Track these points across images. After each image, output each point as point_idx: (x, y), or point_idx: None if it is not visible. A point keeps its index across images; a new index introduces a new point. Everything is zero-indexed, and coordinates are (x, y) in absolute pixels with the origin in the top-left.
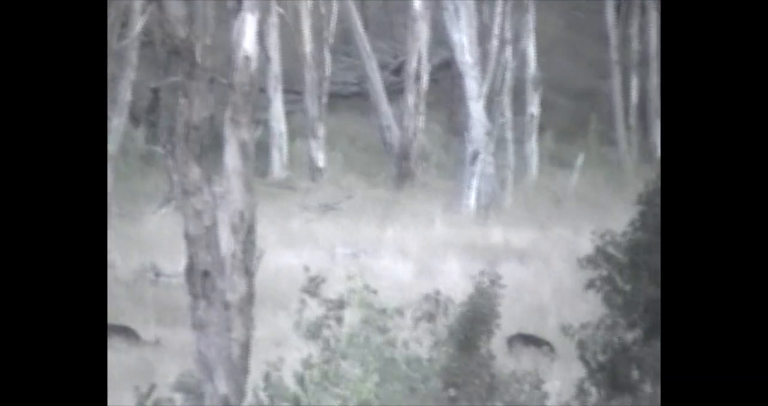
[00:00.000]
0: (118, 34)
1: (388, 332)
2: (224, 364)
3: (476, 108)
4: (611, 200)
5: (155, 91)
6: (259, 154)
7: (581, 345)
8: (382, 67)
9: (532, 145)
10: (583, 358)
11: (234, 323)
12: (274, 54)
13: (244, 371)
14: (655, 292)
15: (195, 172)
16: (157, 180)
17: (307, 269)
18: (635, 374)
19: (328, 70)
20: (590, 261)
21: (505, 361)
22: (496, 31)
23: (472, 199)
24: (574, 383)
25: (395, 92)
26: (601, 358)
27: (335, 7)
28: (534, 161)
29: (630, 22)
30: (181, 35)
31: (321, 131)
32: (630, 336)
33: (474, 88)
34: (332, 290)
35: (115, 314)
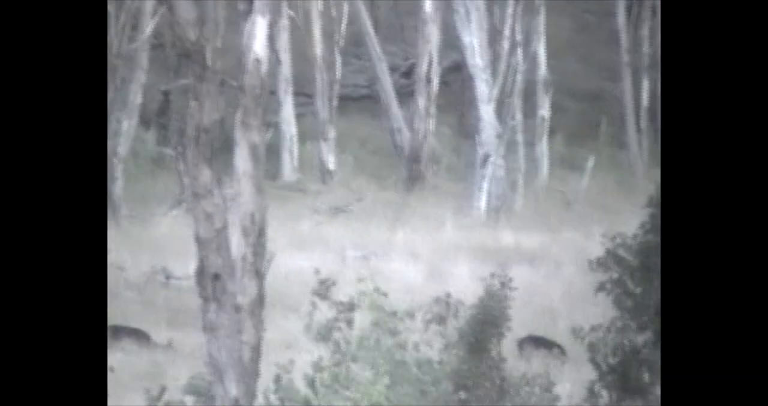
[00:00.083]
0: (128, 37)
1: (398, 335)
2: (235, 366)
3: (487, 111)
4: (622, 203)
5: (166, 94)
6: (269, 156)
7: (592, 348)
8: (393, 69)
9: (543, 148)
10: (593, 360)
11: (244, 325)
12: (285, 57)
13: (255, 373)
14: None
15: (205, 174)
16: (168, 183)
17: (317, 271)
18: (646, 376)
19: (338, 73)
20: (601, 264)
21: (515, 363)
22: (506, 33)
23: (482, 202)
24: (585, 386)
25: (406, 95)
26: (611, 360)
27: (346, 10)
28: (544, 164)
29: (641, 24)
30: (192, 38)
31: (331, 134)
32: (640, 339)
33: (484, 90)
34: (343, 293)
35: (125, 316)
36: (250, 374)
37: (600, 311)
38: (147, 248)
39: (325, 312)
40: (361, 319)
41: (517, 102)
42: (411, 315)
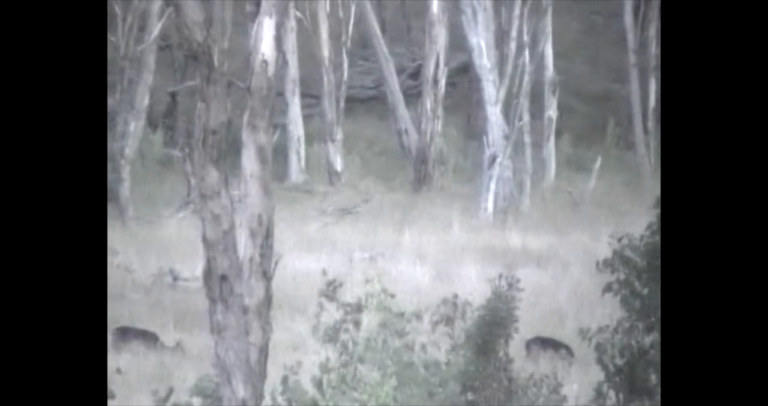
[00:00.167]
0: (135, 39)
1: (405, 336)
2: (242, 368)
3: (494, 112)
4: (629, 204)
5: (173, 96)
6: (276, 158)
7: (599, 349)
8: (400, 71)
9: (550, 149)
10: (601, 361)
11: (252, 326)
12: (292, 58)
13: (262, 375)
14: None
15: (213, 176)
16: (175, 184)
17: (324, 272)
18: (653, 377)
19: (345, 74)
20: (608, 265)
21: (523, 364)
22: (513, 34)
23: (489, 203)
24: (592, 387)
25: (413, 96)
26: (619, 361)
27: (353, 11)
28: (552, 165)
29: (648, 25)
30: (199, 39)
31: (339, 135)
32: (648, 340)
33: (492, 91)
34: (350, 294)
35: (133, 318)
36: (257, 375)
37: (607, 311)
38: (154, 250)
39: (332, 313)
40: (369, 320)
41: (524, 103)
42: (418, 316)
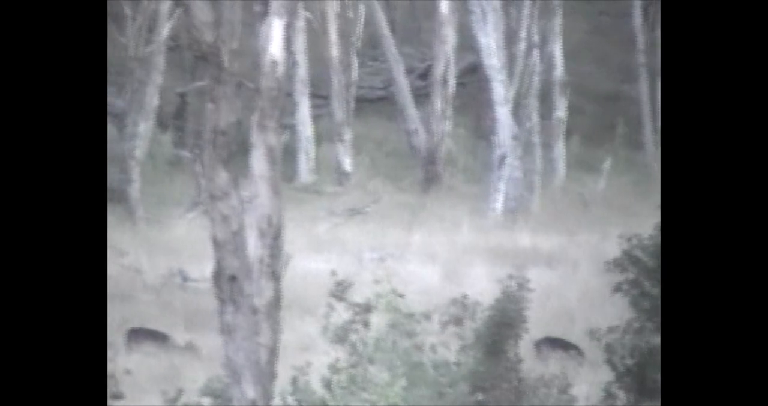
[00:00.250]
0: (144, 39)
1: (415, 337)
2: (252, 368)
3: (503, 112)
4: (638, 204)
5: (182, 96)
6: (286, 158)
7: (609, 349)
8: (409, 71)
9: (559, 149)
10: (610, 362)
11: (261, 327)
12: (301, 58)
13: (272, 375)
14: None
15: (222, 176)
16: (184, 185)
17: (334, 273)
18: None
19: (354, 75)
20: (617, 265)
21: (532, 365)
22: (523, 35)
23: (499, 204)
24: (602, 387)
25: (422, 96)
26: (628, 361)
27: (362, 12)
28: (561, 165)
29: (657, 25)
30: (208, 40)
31: (348, 136)
32: (657, 340)
33: (501, 92)
34: (359, 295)
35: (142, 319)
36: (267, 375)
37: (617, 312)
38: (164, 251)
39: (341, 314)
40: (378, 320)
41: (533, 103)
42: (428, 317)
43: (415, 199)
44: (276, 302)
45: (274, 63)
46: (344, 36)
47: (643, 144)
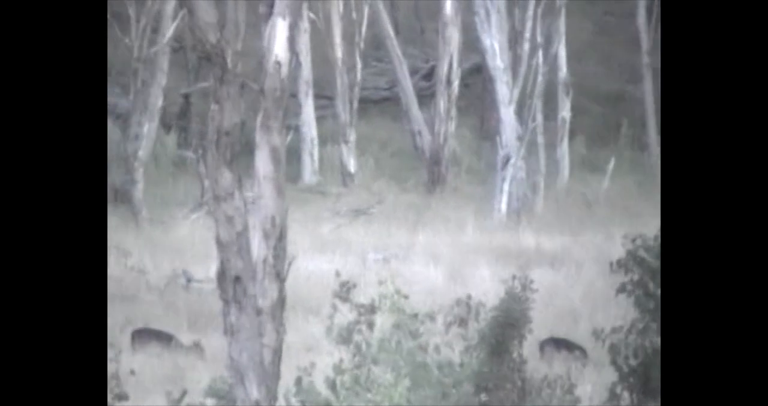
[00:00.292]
0: (149, 40)
1: (419, 337)
2: (256, 369)
3: (507, 113)
4: (642, 205)
5: (186, 97)
6: (290, 159)
7: (613, 349)
8: (413, 72)
9: (564, 150)
10: (614, 362)
11: (265, 328)
12: (305, 59)
13: (276, 376)
14: None
15: (226, 177)
16: (189, 186)
17: (338, 274)
18: None
19: (359, 76)
20: (622, 265)
21: (536, 365)
22: (527, 35)
23: (503, 204)
24: (606, 388)
25: (426, 97)
26: (632, 362)
27: (366, 12)
28: (565, 166)
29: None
30: (212, 41)
31: (352, 136)
32: None
33: (505, 92)
34: (364, 295)
35: (147, 319)
36: (271, 376)
37: (621, 312)
38: (168, 251)
39: (345, 314)
40: (382, 321)
41: (537, 104)
42: (432, 317)
43: (420, 200)
44: (280, 303)
45: (278, 64)
46: (348, 37)
47: (647, 144)
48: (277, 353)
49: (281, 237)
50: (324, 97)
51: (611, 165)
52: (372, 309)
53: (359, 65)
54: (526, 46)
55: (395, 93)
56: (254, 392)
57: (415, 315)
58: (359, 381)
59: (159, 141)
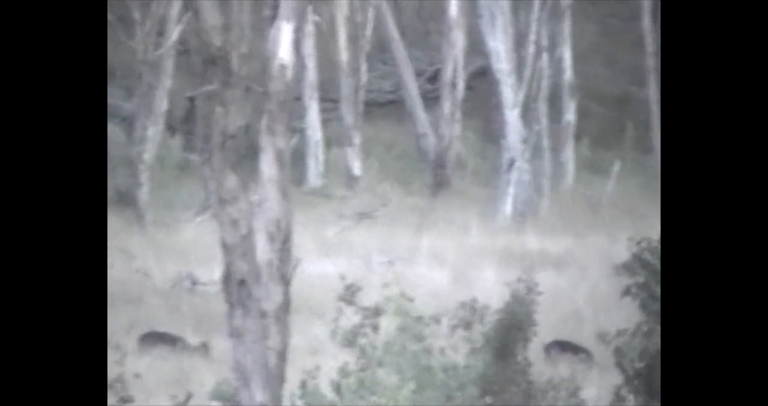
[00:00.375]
0: (154, 43)
1: (424, 340)
2: (261, 372)
3: (512, 115)
4: (647, 207)
5: (191, 100)
6: (295, 162)
7: (618, 352)
8: (418, 74)
9: (569, 153)
10: (620, 365)
11: (270, 331)
12: (310, 62)
13: (281, 379)
14: None
15: (231, 180)
16: (193, 188)
17: (343, 277)
18: None
19: (363, 78)
20: (627, 268)
21: (541, 368)
22: (532, 38)
23: (508, 207)
24: (611, 390)
25: (431, 100)
26: (638, 365)
27: (371, 15)
28: (570, 168)
29: None
30: (217, 44)
31: (357, 139)
32: None
33: (510, 95)
34: (368, 298)
35: (152, 322)
36: (276, 379)
37: (626, 315)
38: (173, 254)
39: (350, 317)
40: (387, 324)
41: (542, 106)
42: (437, 320)
43: (425, 203)
44: (285, 306)
45: (283, 67)
46: (353, 40)
47: (652, 147)
48: (282, 356)
49: (286, 240)
50: (329, 100)
51: (616, 167)
52: (377, 312)
53: (364, 68)
54: (531, 48)
55: (400, 96)
56: (259, 395)
57: (420, 318)
58: (364, 384)
59: (164, 144)
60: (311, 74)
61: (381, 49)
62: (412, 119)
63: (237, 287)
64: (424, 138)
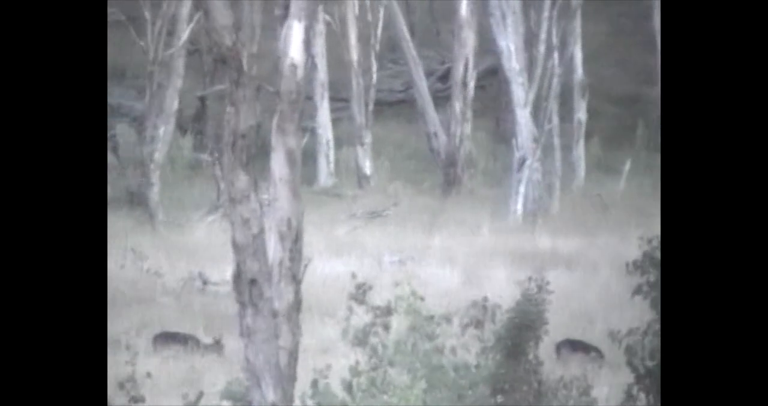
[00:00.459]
0: (164, 43)
1: (435, 339)
2: (272, 371)
3: (523, 114)
4: (658, 206)
5: (202, 100)
6: (306, 161)
7: (629, 351)
8: (429, 74)
9: (579, 152)
10: (631, 363)
11: (281, 330)
12: (321, 61)
13: (292, 378)
14: None
15: (242, 180)
16: (204, 188)
17: (354, 276)
18: None
19: (374, 78)
20: (637, 267)
21: (553, 367)
22: (542, 37)
23: (519, 206)
24: (622, 389)
25: (442, 99)
26: (649, 363)
27: (382, 14)
28: (581, 167)
29: None
30: (228, 43)
31: (368, 138)
32: None
33: (521, 94)
34: (379, 297)
35: (163, 322)
36: (287, 378)
37: (637, 314)
38: (184, 254)
39: (361, 317)
40: (398, 323)
41: (553, 106)
42: (448, 319)
43: (435, 202)
44: (296, 305)
45: (293, 66)
46: (364, 39)
47: None
48: (293, 356)
49: (297, 239)
50: (340, 100)
51: (627, 166)
52: (388, 311)
53: (375, 67)
54: (542, 47)
55: (411, 95)
56: (270, 395)
57: (431, 317)
58: (375, 383)
59: (175, 144)
60: (322, 74)
61: (392, 48)
62: (423, 118)
63: (248, 286)
64: (434, 137)
